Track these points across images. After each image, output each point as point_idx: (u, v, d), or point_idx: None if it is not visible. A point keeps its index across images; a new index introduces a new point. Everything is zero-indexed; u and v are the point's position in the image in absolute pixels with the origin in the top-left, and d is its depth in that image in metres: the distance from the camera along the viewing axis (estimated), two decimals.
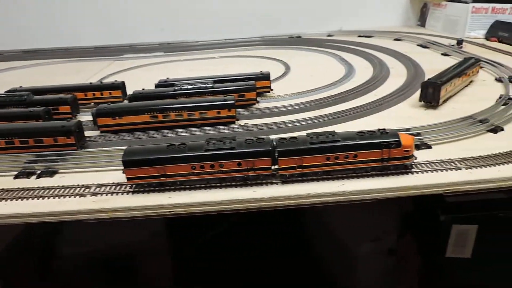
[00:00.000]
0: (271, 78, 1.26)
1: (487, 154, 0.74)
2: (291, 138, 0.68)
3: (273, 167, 0.68)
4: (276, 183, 0.69)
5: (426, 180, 0.68)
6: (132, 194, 0.68)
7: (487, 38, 1.78)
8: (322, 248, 1.53)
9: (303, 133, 0.70)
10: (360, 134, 0.68)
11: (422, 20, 2.27)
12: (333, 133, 0.68)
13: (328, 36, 2.11)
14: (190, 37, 2.16)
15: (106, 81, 1.42)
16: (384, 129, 0.69)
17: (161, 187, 0.68)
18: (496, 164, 0.71)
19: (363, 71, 1.37)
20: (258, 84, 1.11)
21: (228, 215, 0.67)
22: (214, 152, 0.65)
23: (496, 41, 1.73)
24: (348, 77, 1.30)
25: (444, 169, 0.70)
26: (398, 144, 0.67)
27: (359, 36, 2.03)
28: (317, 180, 0.69)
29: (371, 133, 0.68)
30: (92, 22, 2.17)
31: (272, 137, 0.69)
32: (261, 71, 1.14)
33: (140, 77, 1.52)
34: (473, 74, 1.15)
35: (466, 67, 1.10)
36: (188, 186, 0.68)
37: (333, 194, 0.66)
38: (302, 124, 0.92)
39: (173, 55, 1.86)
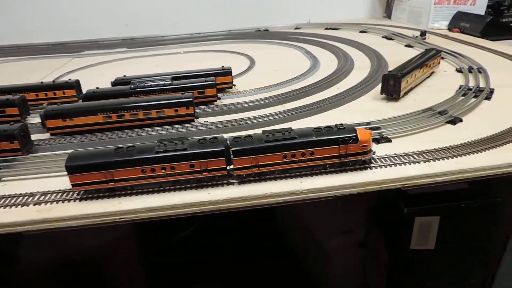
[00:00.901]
0: (235, 73, 1.23)
1: (445, 146, 0.73)
2: (246, 136, 0.65)
3: (228, 167, 0.66)
4: (233, 183, 0.66)
5: (385, 175, 0.67)
6: (80, 201, 0.64)
7: (449, 29, 1.81)
8: (295, 242, 1.52)
9: (261, 130, 0.68)
10: (317, 131, 0.66)
11: (388, 12, 2.29)
12: (289, 130, 0.66)
13: (296, 29, 2.10)
14: (156, 32, 2.10)
15: (63, 79, 1.36)
16: (341, 125, 0.67)
17: (111, 193, 0.64)
18: (454, 156, 0.71)
19: (328, 64, 1.36)
20: (220, 79, 1.08)
21: (196, 217, 0.64)
22: (165, 154, 0.62)
23: (458, 32, 1.75)
24: (313, 71, 1.28)
25: (402, 163, 0.70)
26: (355, 139, 0.65)
27: (326, 29, 2.02)
28: (275, 179, 0.67)
29: (328, 129, 0.66)
30: (50, 18, 2.07)
31: (226, 136, 0.67)
32: (222, 67, 1.11)
33: (101, 74, 1.46)
34: (434, 65, 1.16)
35: (427, 59, 1.10)
36: (139, 191, 0.65)
37: (291, 193, 0.64)
38: (264, 120, 0.90)
39: (136, 51, 1.80)
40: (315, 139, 0.65)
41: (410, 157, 0.71)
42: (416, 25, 1.93)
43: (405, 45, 1.56)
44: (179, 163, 0.62)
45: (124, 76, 1.08)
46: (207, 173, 0.64)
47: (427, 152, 0.72)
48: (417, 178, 0.67)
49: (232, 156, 0.64)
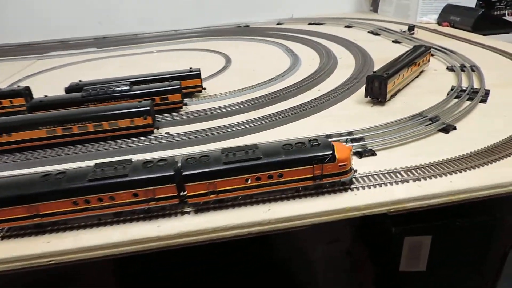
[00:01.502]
0: (208, 74, 1.12)
1: (437, 161, 0.64)
2: (201, 156, 0.54)
3: (182, 194, 0.55)
4: (188, 213, 0.56)
5: (368, 198, 0.57)
6: (2, 240, 0.53)
7: (439, 23, 1.71)
8: (280, 251, 1.43)
9: (221, 147, 0.57)
10: (287, 148, 0.56)
11: (374, 6, 2.19)
12: (253, 148, 0.56)
13: (278, 24, 1.99)
14: (131, 30, 1.97)
15: (22, 84, 1.24)
16: (316, 140, 0.57)
17: (40, 229, 0.53)
18: (447, 173, 0.61)
19: (309, 62, 1.25)
20: (187, 83, 0.97)
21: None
22: (101, 182, 0.51)
23: (448, 26, 1.66)
24: (292, 70, 1.18)
25: (389, 182, 0.60)
26: (332, 158, 0.55)
27: (310, 24, 1.91)
28: (239, 205, 0.57)
29: (299, 146, 0.56)
30: (16, 17, 1.93)
31: (179, 154, 0.56)
32: (190, 68, 1.00)
33: (63, 78, 1.33)
34: (423, 63, 1.06)
35: (416, 56, 1.01)
36: (75, 225, 0.54)
37: (257, 224, 0.54)
38: (234, 130, 0.79)
39: (107, 50, 1.68)
40: (284, 158, 0.54)
41: (398, 174, 0.61)
42: (404, 19, 1.83)
43: (392, 41, 1.46)
44: (119, 193, 0.52)
45: (80, 81, 0.97)
46: (154, 202, 0.53)
47: (417, 168, 0.63)
48: (405, 201, 0.57)
49: (184, 182, 0.53)
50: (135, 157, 0.66)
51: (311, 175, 0.56)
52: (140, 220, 0.55)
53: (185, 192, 0.54)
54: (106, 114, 0.76)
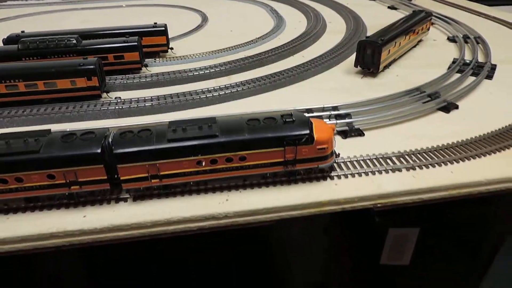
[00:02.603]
0: (180, 33, 0.98)
1: (436, 146, 0.53)
2: (141, 130, 0.42)
3: (115, 177, 0.43)
4: (125, 200, 0.44)
5: (350, 191, 0.46)
6: None
7: None
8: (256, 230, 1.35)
9: (168, 120, 0.45)
10: (252, 124, 0.44)
11: None
12: (210, 121, 0.43)
13: None
14: None
15: None
16: (290, 115, 0.45)
17: None
18: (448, 161, 0.50)
19: (295, 25, 1.11)
20: (150, 40, 0.83)
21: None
22: (3, 158, 0.39)
23: None
24: (275, 33, 1.04)
25: (377, 170, 0.49)
26: (309, 139, 0.43)
27: None
28: (189, 193, 0.45)
29: (269, 122, 0.44)
30: None
31: (111, 127, 0.44)
32: (155, 23, 0.85)
33: (17, 30, 1.17)
34: (422, 31, 0.94)
35: (415, 23, 0.88)
36: None
37: (211, 217, 0.43)
38: (199, 99, 0.67)
39: (71, 2, 1.50)
40: (247, 137, 0.42)
41: (388, 161, 0.50)
42: None
43: (388, 7, 1.33)
44: (29, 173, 0.39)
45: (22, 32, 0.82)
46: (78, 186, 0.41)
47: (411, 153, 0.52)
48: (395, 195, 0.47)
49: (116, 162, 0.41)
50: (74, 126, 0.54)
51: (282, 160, 0.44)
52: (63, 208, 0.43)
53: (118, 175, 0.42)
54: (42, 71, 0.62)
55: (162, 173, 0.42)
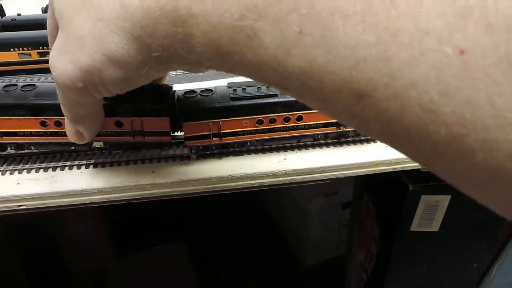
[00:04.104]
0: None
1: None
2: (204, 90, 0.44)
3: (178, 134, 0.46)
4: (188, 157, 0.47)
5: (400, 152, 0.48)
6: None
7: None
8: (276, 204, 1.39)
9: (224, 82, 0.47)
10: None
11: None
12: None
13: None
14: None
15: None
16: None
17: None
18: None
19: None
20: None
21: None
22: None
23: None
24: None
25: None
26: None
27: None
28: (248, 153, 0.48)
29: None
30: None
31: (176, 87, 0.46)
32: None
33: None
34: None
35: None
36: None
37: (271, 175, 0.46)
38: None
39: None
40: None
41: None
42: None
43: None
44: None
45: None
46: (142, 137, 0.43)
47: None
48: None
49: (182, 120, 0.43)
50: None
51: (335, 120, 0.46)
52: (131, 163, 0.46)
53: (181, 133, 0.45)
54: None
55: (223, 131, 0.44)
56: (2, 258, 0.90)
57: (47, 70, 0.64)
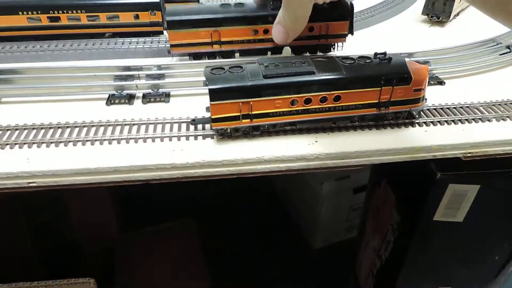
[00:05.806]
0: None
1: None
2: (233, 67, 0.40)
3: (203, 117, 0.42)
4: (211, 136, 0.43)
5: (441, 138, 0.44)
6: None
7: None
8: (287, 186, 1.36)
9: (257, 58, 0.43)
10: (347, 62, 0.41)
11: None
12: (304, 59, 0.41)
13: None
14: None
15: None
16: (384, 54, 0.42)
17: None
18: None
19: None
20: None
21: None
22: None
23: None
24: None
25: (466, 119, 0.47)
26: (407, 78, 0.41)
27: None
28: (276, 133, 0.44)
29: (363, 61, 0.42)
30: None
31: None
32: None
33: None
34: None
35: None
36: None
37: (301, 158, 0.42)
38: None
39: None
40: (345, 75, 0.40)
41: (476, 111, 0.48)
42: None
43: None
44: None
45: None
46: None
47: (500, 104, 0.49)
48: (488, 145, 0.45)
49: (210, 100, 0.39)
50: (131, 62, 0.52)
51: (376, 101, 0.42)
52: (157, 139, 0.42)
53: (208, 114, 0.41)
54: (104, 3, 0.59)
55: (254, 112, 0.40)
56: (12, 230, 0.89)
57: (57, 37, 0.60)
